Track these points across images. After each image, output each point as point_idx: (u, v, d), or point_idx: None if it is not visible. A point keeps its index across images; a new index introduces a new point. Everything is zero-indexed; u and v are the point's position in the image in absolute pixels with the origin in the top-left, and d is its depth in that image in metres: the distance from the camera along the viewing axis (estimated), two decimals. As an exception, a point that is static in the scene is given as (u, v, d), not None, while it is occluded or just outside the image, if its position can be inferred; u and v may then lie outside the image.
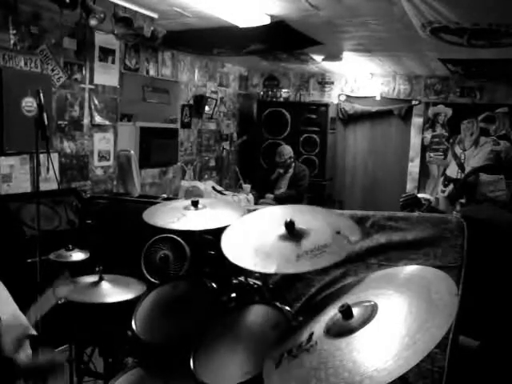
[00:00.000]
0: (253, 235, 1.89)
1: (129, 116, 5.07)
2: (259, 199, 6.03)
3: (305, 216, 1.87)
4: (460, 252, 2.22)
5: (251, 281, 2.18)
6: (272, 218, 1.94)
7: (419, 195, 5.04)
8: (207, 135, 6.60)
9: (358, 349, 1.26)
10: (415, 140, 6.89)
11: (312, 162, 6.71)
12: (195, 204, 2.21)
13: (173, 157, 5.85)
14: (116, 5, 3.48)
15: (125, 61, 4.94)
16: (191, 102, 6.13)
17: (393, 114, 6.97)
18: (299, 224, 1.77)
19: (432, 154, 6.83)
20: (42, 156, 2.99)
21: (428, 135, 6.81)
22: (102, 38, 4.54)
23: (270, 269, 1.67)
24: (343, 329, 1.35)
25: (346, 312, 1.36)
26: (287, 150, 6.08)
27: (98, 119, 4.65)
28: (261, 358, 1.54)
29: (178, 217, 2.14)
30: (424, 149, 6.85)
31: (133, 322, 2.01)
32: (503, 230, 2.59)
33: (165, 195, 4.40)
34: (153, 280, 2.54)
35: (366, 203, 7.08)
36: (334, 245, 1.69)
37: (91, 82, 4.53)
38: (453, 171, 6.70)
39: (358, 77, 7.05)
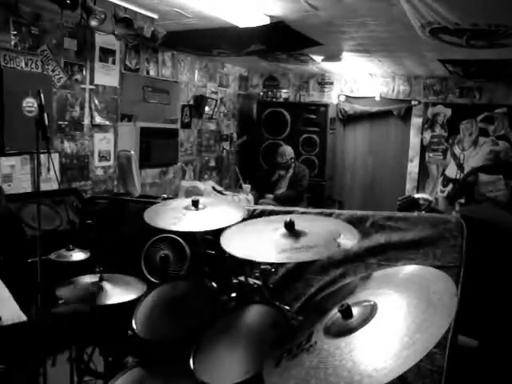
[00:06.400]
0: (251, 229, 1.94)
1: (129, 116, 5.07)
2: (259, 199, 6.03)
3: (307, 222, 1.90)
4: (459, 252, 2.23)
5: (251, 281, 2.18)
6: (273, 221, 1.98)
7: (418, 195, 5.05)
8: (207, 135, 6.60)
9: (357, 348, 1.27)
10: (414, 140, 6.89)
11: (312, 162, 6.71)
12: (195, 204, 2.22)
13: (173, 157, 5.86)
14: (116, 5, 3.48)
15: (125, 61, 4.95)
16: (191, 102, 6.14)
17: (392, 115, 6.97)
18: (300, 227, 1.81)
19: (431, 154, 6.83)
20: (42, 156, 2.98)
21: (427, 135, 6.82)
22: (102, 39, 4.55)
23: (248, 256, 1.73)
24: (343, 328, 1.35)
25: (346, 312, 1.37)
26: (288, 151, 6.07)
27: (98, 119, 4.66)
28: (260, 357, 1.55)
29: (179, 218, 2.14)
30: (423, 149, 6.86)
31: (133, 322, 2.02)
32: (502, 230, 2.60)
33: (165, 195, 4.41)
34: (153, 280, 2.55)
35: (365, 203, 7.09)
36: (322, 246, 1.72)
37: (91, 82, 4.54)
38: (452, 171, 6.71)
39: (357, 77, 7.06)
